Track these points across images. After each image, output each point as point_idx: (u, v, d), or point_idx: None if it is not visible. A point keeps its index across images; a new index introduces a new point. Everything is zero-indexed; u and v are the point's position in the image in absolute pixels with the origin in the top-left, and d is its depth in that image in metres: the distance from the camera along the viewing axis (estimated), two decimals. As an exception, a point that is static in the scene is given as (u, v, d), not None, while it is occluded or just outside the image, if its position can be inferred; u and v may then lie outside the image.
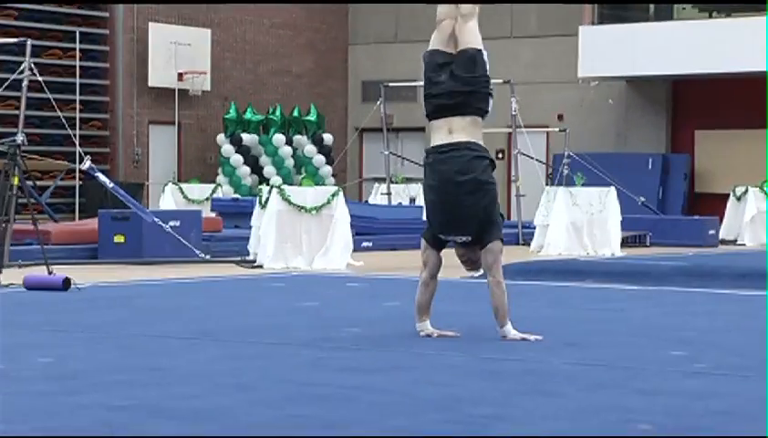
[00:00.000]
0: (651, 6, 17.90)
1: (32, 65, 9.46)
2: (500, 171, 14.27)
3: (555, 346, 4.59)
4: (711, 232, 13.74)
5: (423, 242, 4.78)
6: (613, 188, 12.29)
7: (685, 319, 5.97)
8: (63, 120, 10.81)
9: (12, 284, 7.27)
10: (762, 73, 15.79)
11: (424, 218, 5.13)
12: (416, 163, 13.83)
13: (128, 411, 3.09)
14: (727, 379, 3.83)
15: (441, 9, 4.79)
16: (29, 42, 9.56)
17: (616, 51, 16.73)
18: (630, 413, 3.10)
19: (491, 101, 4.72)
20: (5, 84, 9.74)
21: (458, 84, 4.61)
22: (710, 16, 17.52)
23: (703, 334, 5.19)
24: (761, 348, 4.66)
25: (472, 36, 4.70)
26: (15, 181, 8.88)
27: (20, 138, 8.91)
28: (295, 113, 18.05)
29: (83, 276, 7.84)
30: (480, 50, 4.69)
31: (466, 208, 4.58)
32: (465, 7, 4.73)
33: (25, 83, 9.46)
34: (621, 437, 2.81)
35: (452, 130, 4.60)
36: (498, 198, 4.77)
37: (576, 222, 11.92)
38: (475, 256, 4.71)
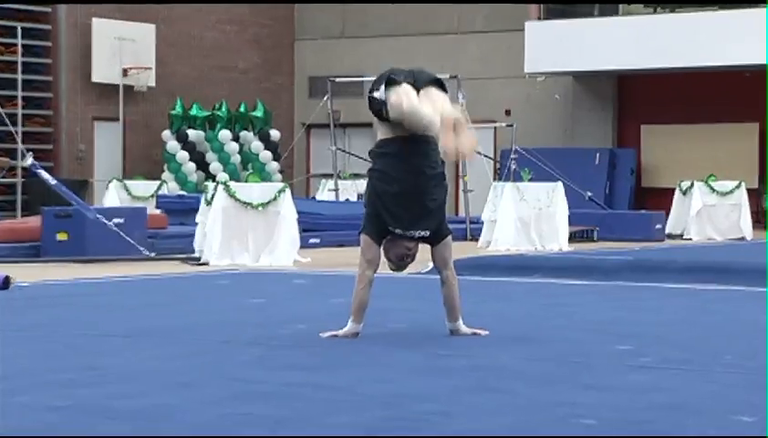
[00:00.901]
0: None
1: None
2: (448, 166, 14.28)
3: (503, 341, 4.60)
4: (658, 226, 13.87)
5: (367, 238, 4.51)
6: (560, 183, 12.40)
7: (632, 314, 6.02)
8: (4, 117, 10.52)
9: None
10: (706, 68, 16.13)
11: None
12: (363, 159, 13.08)
13: (68, 411, 3.06)
14: (671, 373, 3.86)
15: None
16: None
17: (562, 47, 16.79)
18: (577, 409, 3.11)
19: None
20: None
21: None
22: (655, 12, 17.69)
23: (649, 328, 5.24)
24: (706, 342, 4.74)
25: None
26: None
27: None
28: (242, 109, 17.90)
29: (25, 274, 7.64)
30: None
31: (433, 201, 4.50)
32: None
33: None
34: (566, 436, 2.80)
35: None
36: None
37: (523, 217, 11.90)
38: (416, 252, 4.59)
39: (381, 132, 4.58)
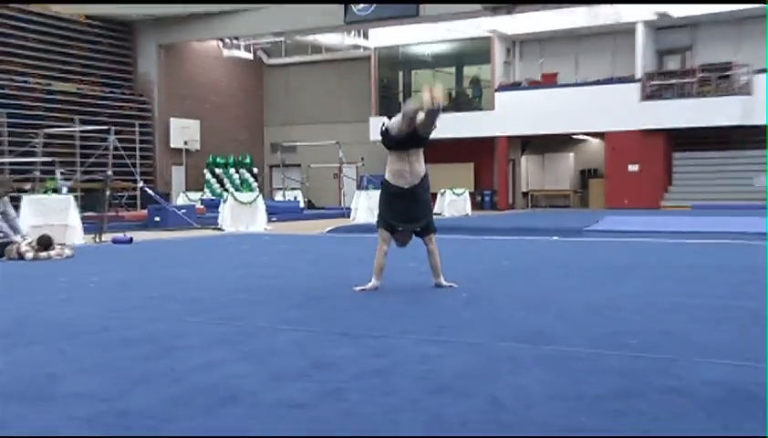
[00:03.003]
0: (402, 107, 30.03)
1: None
2: (335, 183, 28.29)
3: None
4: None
5: (382, 231, 6.09)
6: None
7: (415, 249, 8.94)
8: (130, 165, 17.34)
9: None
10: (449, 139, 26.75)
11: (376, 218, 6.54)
12: (297, 181, 28.72)
13: (161, 300, 7.25)
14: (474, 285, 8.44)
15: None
16: None
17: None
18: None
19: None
20: None
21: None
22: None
23: (426, 261, 7.59)
24: (475, 265, 9.02)
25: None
26: None
27: None
28: (240, 158, 29.59)
29: (140, 236, 15.20)
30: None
31: (423, 202, 6.16)
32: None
33: None
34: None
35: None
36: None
37: (370, 206, 19.33)
38: (408, 238, 6.21)
39: (389, 160, 6.18)
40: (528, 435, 2.59)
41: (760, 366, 3.49)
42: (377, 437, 2.61)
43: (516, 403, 2.92)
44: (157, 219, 17.30)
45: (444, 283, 6.19)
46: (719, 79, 24.69)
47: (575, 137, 28.52)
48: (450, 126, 26.38)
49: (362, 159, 27.98)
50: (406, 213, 6.02)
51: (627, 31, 26.46)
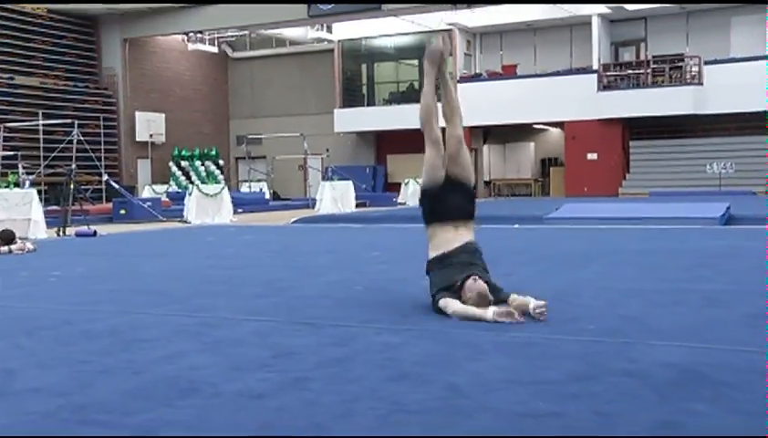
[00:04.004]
0: (366, 98, 30.14)
1: None
2: (300, 175, 28.91)
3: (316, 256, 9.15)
4: (395, 200, 23.32)
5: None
6: (351, 182, 21.40)
7: (380, 238, 9.93)
8: (95, 158, 16.77)
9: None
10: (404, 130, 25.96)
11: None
12: (263, 173, 28.54)
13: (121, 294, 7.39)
14: (400, 265, 8.44)
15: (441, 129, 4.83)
16: None
17: (350, 120, 28.97)
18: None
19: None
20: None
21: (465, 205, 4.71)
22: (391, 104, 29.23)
23: (391, 243, 8.69)
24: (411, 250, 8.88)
25: (468, 165, 4.81)
26: None
27: None
28: (206, 151, 29.27)
29: (104, 229, 13.35)
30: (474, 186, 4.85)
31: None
32: (460, 131, 4.89)
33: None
34: None
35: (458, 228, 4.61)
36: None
37: (335, 196, 19.97)
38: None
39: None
40: (485, 421, 2.57)
41: (712, 347, 3.52)
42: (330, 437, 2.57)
43: (474, 389, 2.90)
44: (122, 212, 17.19)
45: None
46: (671, 70, 24.97)
47: (535, 127, 28.69)
48: (413, 117, 26.32)
49: (327, 150, 27.73)
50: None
51: (583, 23, 26.65)
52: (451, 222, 4.61)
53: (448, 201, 4.64)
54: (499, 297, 4.31)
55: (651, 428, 2.47)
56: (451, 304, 4.31)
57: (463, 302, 4.29)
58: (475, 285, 4.27)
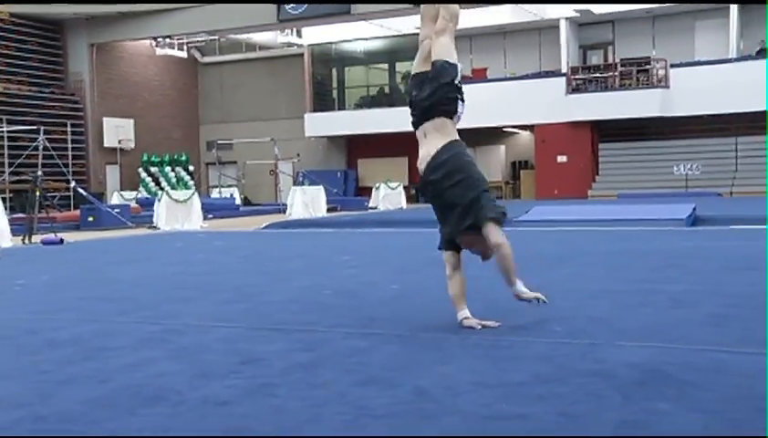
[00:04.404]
0: (336, 103, 30.34)
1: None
2: (271, 180, 28.38)
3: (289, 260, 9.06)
4: (366, 204, 23.10)
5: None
6: (322, 186, 21.48)
7: (351, 243, 10.01)
8: (61, 165, 15.83)
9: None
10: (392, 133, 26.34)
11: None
12: (233, 178, 28.07)
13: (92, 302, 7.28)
14: (370, 268, 8.43)
15: (423, 32, 4.42)
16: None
17: (321, 124, 29.05)
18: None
19: (459, 104, 4.23)
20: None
21: (424, 97, 4.20)
22: (362, 108, 29.53)
23: (363, 247, 8.56)
24: (381, 253, 8.79)
25: (442, 49, 4.25)
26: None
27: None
28: (176, 157, 29.33)
29: (72, 236, 14.32)
30: (445, 61, 4.20)
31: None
32: (438, 24, 4.30)
33: None
34: None
35: (426, 134, 4.27)
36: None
37: (306, 201, 20.06)
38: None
39: (447, 133, 4.21)
40: (451, 424, 2.58)
41: (677, 347, 3.56)
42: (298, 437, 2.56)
43: (441, 392, 2.91)
44: (90, 219, 16.96)
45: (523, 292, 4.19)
46: (639, 73, 25.25)
47: (506, 130, 28.84)
48: (384, 120, 26.53)
49: (298, 155, 27.79)
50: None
51: (551, 27, 26.86)
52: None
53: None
54: None
55: (615, 428, 2.49)
56: (505, 241, 4.04)
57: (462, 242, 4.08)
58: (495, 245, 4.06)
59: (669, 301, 4.87)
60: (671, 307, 4.65)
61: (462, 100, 4.26)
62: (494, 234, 4.03)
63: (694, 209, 13.44)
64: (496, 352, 3.54)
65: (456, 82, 4.22)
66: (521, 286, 4.14)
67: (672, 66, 24.70)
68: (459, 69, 4.28)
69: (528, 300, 4.14)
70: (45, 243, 11.94)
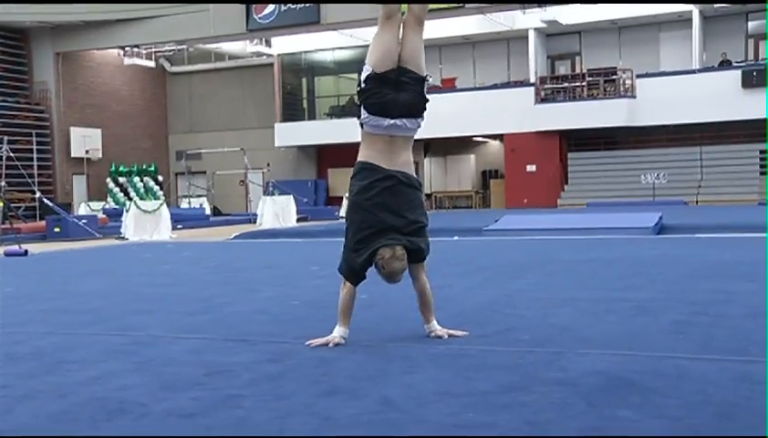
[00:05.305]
0: (306, 112, 31.24)
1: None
2: (241, 190, 28.50)
3: (257, 268, 8.96)
4: (336, 213, 22.85)
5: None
6: (291, 196, 21.51)
7: (320, 252, 9.71)
8: (26, 176, 16.54)
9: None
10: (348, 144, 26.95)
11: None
12: (203, 188, 28.00)
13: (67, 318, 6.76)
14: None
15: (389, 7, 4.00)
16: None
17: (291, 134, 29.26)
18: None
19: (361, 109, 4.21)
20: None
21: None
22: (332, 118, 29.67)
23: (329, 258, 8.13)
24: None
25: (420, 54, 3.99)
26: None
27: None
28: (144, 167, 29.33)
29: (37, 248, 14.28)
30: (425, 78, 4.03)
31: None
32: (419, 8, 3.97)
33: None
34: None
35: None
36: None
37: (276, 211, 20.06)
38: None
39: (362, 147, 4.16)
40: (417, 434, 2.58)
41: (640, 354, 3.59)
42: (266, 443, 2.54)
43: (407, 402, 2.91)
44: (57, 230, 16.71)
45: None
46: (606, 83, 25.57)
47: (475, 139, 29.03)
48: (354, 130, 26.39)
49: (268, 165, 27.63)
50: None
51: (520, 37, 27.12)
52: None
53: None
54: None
55: (579, 435, 2.51)
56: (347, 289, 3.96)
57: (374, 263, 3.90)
58: (393, 263, 3.84)
59: (634, 309, 4.92)
60: (636, 315, 4.70)
61: (366, 106, 4.06)
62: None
63: (660, 218, 13.61)
64: (462, 361, 3.55)
65: (362, 85, 4.04)
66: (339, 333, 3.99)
67: (638, 76, 25.06)
68: (366, 70, 4.04)
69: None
70: (8, 254, 11.75)
